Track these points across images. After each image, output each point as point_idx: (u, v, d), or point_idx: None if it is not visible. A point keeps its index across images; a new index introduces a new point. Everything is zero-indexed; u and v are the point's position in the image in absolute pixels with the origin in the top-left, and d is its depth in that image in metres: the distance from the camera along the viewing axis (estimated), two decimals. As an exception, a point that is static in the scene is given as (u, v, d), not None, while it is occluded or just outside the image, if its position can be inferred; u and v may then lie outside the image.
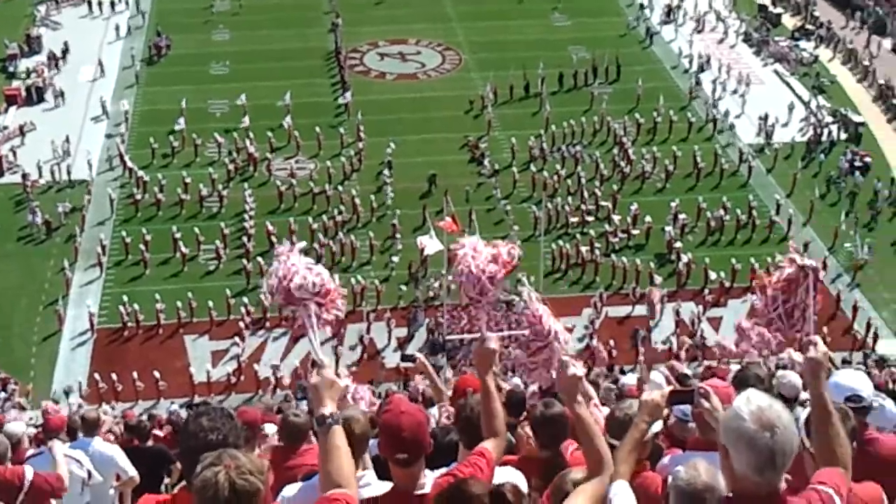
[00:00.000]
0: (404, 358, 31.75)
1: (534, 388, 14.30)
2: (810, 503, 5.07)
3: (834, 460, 5.58)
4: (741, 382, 7.59)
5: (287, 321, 6.99)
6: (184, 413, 36.19)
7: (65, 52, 64.77)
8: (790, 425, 4.79)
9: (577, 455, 7.56)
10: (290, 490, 6.92)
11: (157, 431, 19.52)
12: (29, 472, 9.36)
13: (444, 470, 6.20)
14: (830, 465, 5.53)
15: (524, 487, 6.55)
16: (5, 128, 57.44)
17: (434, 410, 10.71)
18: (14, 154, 55.06)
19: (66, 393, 40.63)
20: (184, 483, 6.04)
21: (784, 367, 12.45)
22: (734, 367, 15.83)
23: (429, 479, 6.02)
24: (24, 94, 60.94)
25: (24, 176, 52.49)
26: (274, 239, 47.79)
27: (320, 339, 6.40)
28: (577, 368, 5.85)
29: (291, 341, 42.28)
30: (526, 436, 8.91)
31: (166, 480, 14.10)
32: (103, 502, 12.13)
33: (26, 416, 36.55)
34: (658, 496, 6.22)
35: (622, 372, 39.95)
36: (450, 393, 11.25)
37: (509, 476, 6.73)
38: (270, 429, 14.01)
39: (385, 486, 6.24)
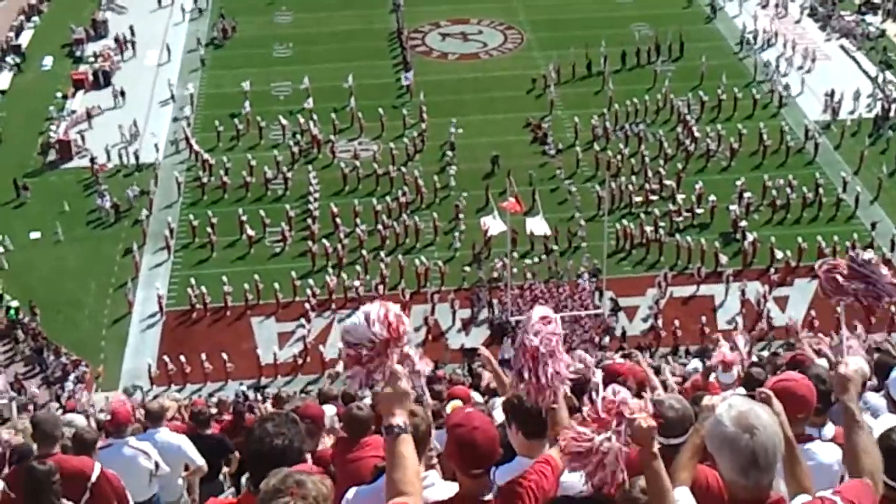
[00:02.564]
0: (466, 352, 31.65)
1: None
2: None
3: (858, 471, 5.68)
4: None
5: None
6: (251, 395, 36.75)
7: (128, 39, 65.30)
8: (770, 425, 4.94)
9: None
10: (350, 493, 7.01)
11: (224, 416, 19.77)
12: (97, 467, 9.51)
13: (507, 475, 6.24)
14: (857, 476, 5.63)
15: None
16: (73, 112, 58.17)
17: (500, 401, 10.78)
18: (82, 138, 55.79)
19: (131, 390, 40.74)
20: (246, 486, 6.15)
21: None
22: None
23: (493, 485, 6.07)
24: (91, 78, 61.63)
25: (93, 160, 53.20)
26: (339, 220, 48.11)
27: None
28: (649, 420, 5.73)
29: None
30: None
31: (224, 470, 14.33)
32: (172, 492, 12.33)
33: (97, 400, 37.34)
34: (710, 487, 6.24)
35: (687, 353, 39.96)
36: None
37: (574, 479, 6.78)
38: (330, 410, 14.16)
39: (449, 487, 6.30)
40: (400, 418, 5.61)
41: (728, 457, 4.95)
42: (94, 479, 9.39)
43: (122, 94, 59.22)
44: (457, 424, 6.16)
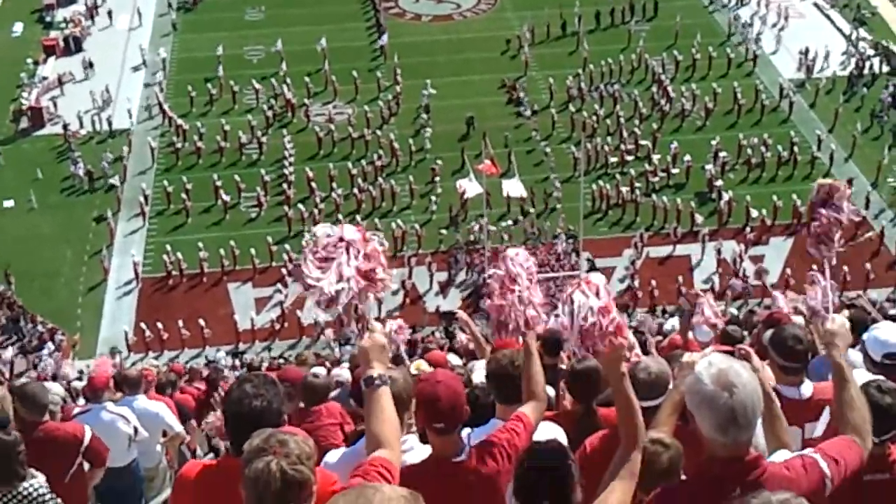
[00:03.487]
0: (444, 315, 31.69)
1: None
2: (790, 469, 5.21)
3: (845, 427, 5.71)
4: (777, 344, 7.58)
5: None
6: (225, 361, 36.74)
7: (98, 4, 64.65)
8: (750, 383, 4.93)
9: (605, 411, 7.65)
10: (333, 456, 7.02)
11: (197, 385, 19.76)
12: (88, 431, 9.51)
13: (481, 435, 6.26)
14: (842, 433, 5.65)
15: (564, 441, 6.62)
16: (45, 79, 57.70)
17: (479, 364, 10.79)
18: (55, 105, 55.37)
19: (112, 352, 40.94)
20: (225, 448, 6.15)
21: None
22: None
23: (467, 447, 6.08)
24: (62, 44, 61.07)
25: (65, 127, 52.82)
26: (314, 185, 47.98)
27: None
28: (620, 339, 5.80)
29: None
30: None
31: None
32: (150, 458, 12.36)
33: (75, 368, 37.28)
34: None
35: (664, 312, 40.08)
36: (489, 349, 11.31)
37: (548, 432, 6.82)
38: (320, 371, 14.20)
39: (427, 451, 6.32)
40: (378, 370, 5.62)
41: (707, 415, 4.94)
42: (86, 443, 9.41)
43: (91, 65, 58.39)
44: (421, 380, 6.29)
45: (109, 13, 63.58)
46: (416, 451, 6.39)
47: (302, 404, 10.44)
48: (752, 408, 4.92)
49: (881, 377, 6.59)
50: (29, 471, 7.69)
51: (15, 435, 8.06)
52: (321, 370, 14.31)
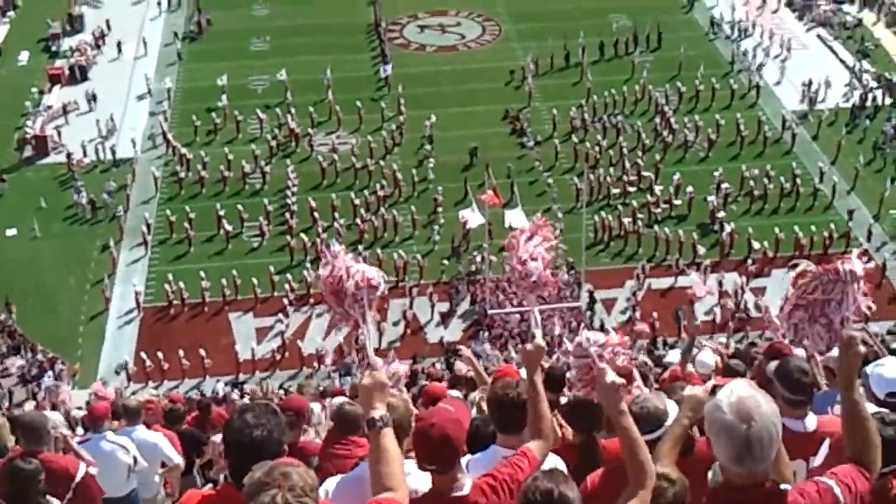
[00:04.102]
0: (449, 352, 31.69)
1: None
2: (804, 494, 5.18)
3: (852, 449, 5.67)
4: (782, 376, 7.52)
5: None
6: (223, 390, 36.61)
7: (104, 33, 64.93)
8: (769, 416, 4.89)
9: (606, 443, 7.60)
10: (331, 483, 6.97)
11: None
12: (82, 468, 9.46)
13: (480, 465, 6.20)
14: (851, 460, 5.60)
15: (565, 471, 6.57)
16: (49, 107, 57.83)
17: (476, 395, 10.78)
18: (59, 134, 55.45)
19: (117, 371, 41.10)
20: (226, 477, 6.12)
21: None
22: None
23: (468, 481, 6.01)
24: (67, 73, 61.23)
25: (69, 155, 52.88)
26: (317, 215, 48.03)
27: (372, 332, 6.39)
28: (616, 376, 5.79)
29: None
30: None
31: (197, 462, 14.37)
32: (149, 488, 12.36)
33: (76, 397, 37.12)
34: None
35: (665, 344, 39.98)
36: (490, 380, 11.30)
37: (549, 462, 6.77)
38: (317, 407, 14.18)
39: (425, 478, 6.26)
40: (380, 411, 5.60)
41: (724, 444, 4.92)
42: (78, 478, 9.36)
43: (94, 97, 58.29)
44: (418, 417, 6.22)
45: (119, 45, 63.60)
46: (415, 477, 6.33)
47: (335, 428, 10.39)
48: (769, 440, 4.88)
49: (885, 410, 6.54)
50: (48, 499, 7.68)
51: (35, 464, 8.06)
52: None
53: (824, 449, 6.66)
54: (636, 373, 11.88)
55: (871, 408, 6.96)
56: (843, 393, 5.83)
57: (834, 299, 6.24)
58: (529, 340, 6.83)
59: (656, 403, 7.13)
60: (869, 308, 6.42)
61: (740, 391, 4.96)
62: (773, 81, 59.27)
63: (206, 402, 18.51)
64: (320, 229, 47.56)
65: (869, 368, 8.00)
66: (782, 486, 5.28)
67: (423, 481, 6.22)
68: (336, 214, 48.17)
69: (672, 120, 54.82)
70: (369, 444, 5.63)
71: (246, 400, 25.97)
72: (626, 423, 5.51)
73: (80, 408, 26.77)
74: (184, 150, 53.25)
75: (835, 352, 6.36)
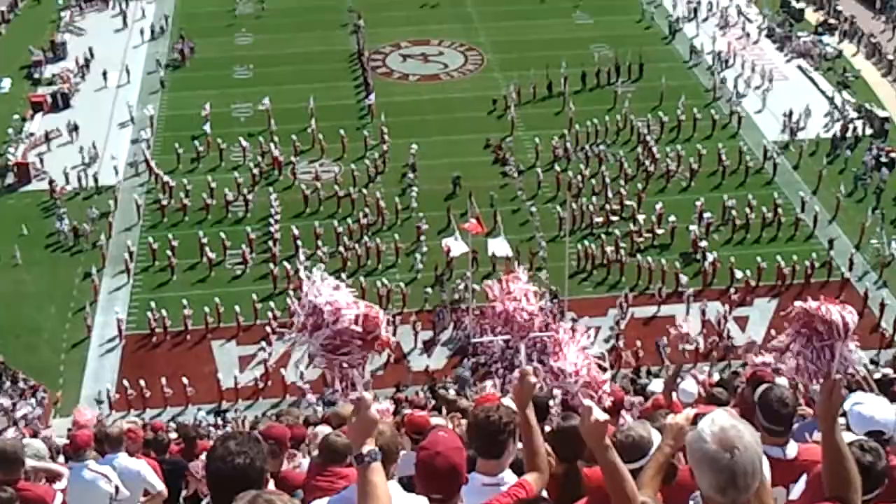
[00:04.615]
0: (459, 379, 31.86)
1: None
2: None
3: (833, 489, 5.68)
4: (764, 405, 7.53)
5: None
6: (208, 419, 36.44)
7: (87, 60, 64.94)
8: (751, 446, 4.86)
9: (588, 472, 7.60)
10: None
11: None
12: (59, 497, 9.40)
13: (464, 496, 6.19)
14: (829, 496, 5.63)
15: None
16: (31, 135, 57.74)
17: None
18: (41, 161, 55.36)
19: (99, 401, 40.86)
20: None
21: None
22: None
23: None
24: (49, 100, 61.18)
25: (51, 183, 52.77)
26: (300, 243, 47.98)
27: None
28: (601, 413, 5.77)
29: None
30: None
31: (183, 493, 14.23)
32: (131, 517, 12.20)
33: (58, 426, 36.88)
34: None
35: (649, 373, 40.00)
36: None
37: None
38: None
39: (411, 499, 6.24)
40: (369, 446, 5.58)
41: (707, 474, 4.88)
42: None
43: (76, 128, 57.98)
44: (422, 447, 6.14)
45: (104, 74, 63.59)
46: (398, 499, 6.31)
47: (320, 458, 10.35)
48: (751, 471, 4.85)
49: (863, 437, 6.55)
50: None
51: (10, 492, 8.01)
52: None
53: (801, 485, 6.66)
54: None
55: (849, 436, 7.00)
56: (824, 434, 5.83)
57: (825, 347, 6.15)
58: (519, 377, 6.83)
59: (640, 432, 7.12)
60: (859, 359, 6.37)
61: (722, 421, 4.93)
62: (754, 111, 59.55)
63: (192, 434, 18.40)
64: (303, 257, 47.11)
65: (848, 405, 8.01)
66: None
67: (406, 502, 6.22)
68: (319, 242, 48.12)
69: (654, 149, 55.01)
70: (358, 479, 5.60)
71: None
72: (611, 458, 5.50)
73: (60, 436, 26.60)
74: (166, 178, 53.18)
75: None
